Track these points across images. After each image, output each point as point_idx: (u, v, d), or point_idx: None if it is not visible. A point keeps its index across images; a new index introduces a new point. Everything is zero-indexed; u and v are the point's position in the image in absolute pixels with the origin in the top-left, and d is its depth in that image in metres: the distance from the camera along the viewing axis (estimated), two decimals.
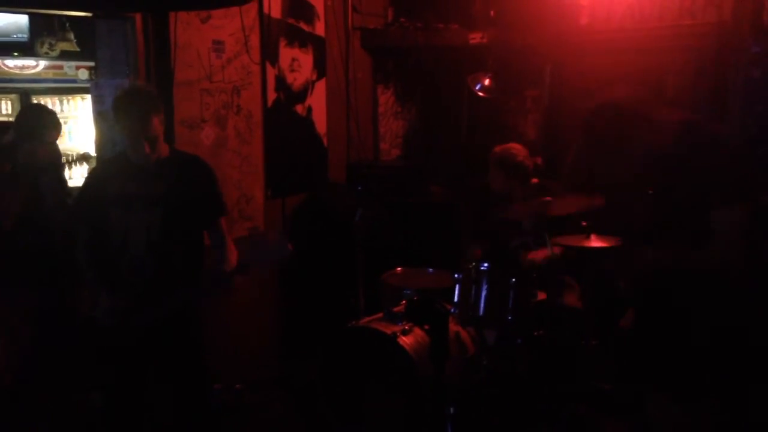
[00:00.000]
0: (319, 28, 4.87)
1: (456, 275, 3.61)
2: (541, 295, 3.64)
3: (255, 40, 4.30)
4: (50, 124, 3.69)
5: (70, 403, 3.50)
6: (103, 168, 3.09)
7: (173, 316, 2.79)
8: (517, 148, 4.05)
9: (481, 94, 4.81)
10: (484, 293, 3.52)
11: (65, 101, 5.39)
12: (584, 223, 3.57)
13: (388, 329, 3.32)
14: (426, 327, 3.36)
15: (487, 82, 4.78)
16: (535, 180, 4.02)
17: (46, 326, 3.36)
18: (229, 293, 2.84)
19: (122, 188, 2.80)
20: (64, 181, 4.00)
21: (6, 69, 4.78)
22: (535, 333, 3.57)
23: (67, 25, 5.06)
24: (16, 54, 4.80)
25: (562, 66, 4.99)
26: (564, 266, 3.70)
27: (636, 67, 4.61)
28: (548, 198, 3.53)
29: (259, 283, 4.22)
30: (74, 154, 5.33)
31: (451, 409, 3.14)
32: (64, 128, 5.41)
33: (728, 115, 4.17)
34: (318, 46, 4.87)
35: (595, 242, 3.58)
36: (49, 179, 3.65)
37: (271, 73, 4.47)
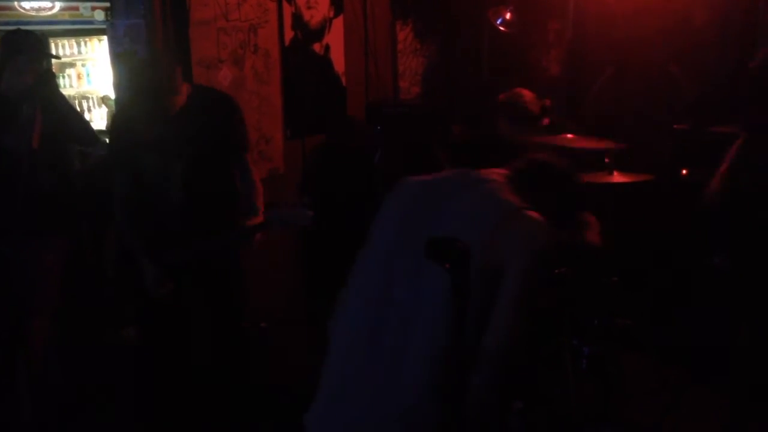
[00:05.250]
0: None
1: None
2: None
3: None
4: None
5: (103, 338, 3.60)
6: (128, 112, 2.98)
7: (210, 258, 2.89)
8: (520, 93, 3.97)
9: (502, 28, 4.69)
10: None
11: (82, 43, 5.33)
12: (607, 160, 3.53)
13: None
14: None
15: (508, 15, 4.66)
16: (546, 121, 3.96)
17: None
18: (249, 247, 2.96)
19: (152, 132, 2.79)
20: None
21: (22, 11, 4.73)
22: (556, 271, 3.57)
23: None
24: None
25: None
26: (585, 204, 3.68)
27: None
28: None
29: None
30: (94, 96, 5.34)
31: None
32: (82, 70, 5.39)
33: (758, 48, 4.04)
34: None
35: (618, 178, 3.54)
36: None
37: (287, 10, 4.38)
